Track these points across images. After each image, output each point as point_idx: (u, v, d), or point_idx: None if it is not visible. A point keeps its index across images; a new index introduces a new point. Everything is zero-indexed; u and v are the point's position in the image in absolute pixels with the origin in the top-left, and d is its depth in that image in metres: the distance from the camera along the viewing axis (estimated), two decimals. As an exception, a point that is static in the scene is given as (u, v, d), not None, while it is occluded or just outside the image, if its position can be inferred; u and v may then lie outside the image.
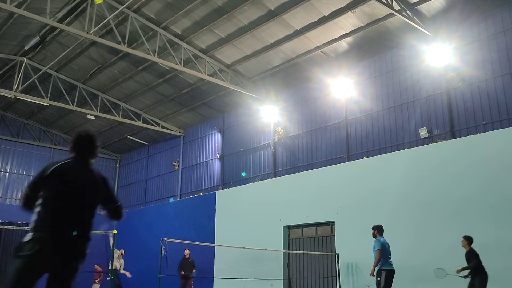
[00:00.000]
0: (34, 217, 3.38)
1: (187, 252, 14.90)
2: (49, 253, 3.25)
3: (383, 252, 8.73)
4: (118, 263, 14.91)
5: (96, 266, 16.98)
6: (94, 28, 14.19)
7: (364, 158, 14.18)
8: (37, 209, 3.38)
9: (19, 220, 21.35)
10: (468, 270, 9.31)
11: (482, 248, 10.36)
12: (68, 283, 3.39)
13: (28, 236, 3.28)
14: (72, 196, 3.43)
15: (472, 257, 9.27)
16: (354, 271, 13.20)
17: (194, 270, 14.99)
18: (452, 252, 9.56)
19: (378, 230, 9.03)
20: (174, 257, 10.80)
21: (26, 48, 17.58)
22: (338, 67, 15.30)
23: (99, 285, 16.72)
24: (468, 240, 9.49)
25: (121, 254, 15.55)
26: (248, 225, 16.39)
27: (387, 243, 8.92)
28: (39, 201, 3.39)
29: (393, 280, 8.73)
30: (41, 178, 3.47)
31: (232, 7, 14.04)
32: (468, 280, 9.27)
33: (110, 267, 12.67)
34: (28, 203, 3.45)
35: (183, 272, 14.37)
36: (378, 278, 8.62)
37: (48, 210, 3.37)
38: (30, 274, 3.19)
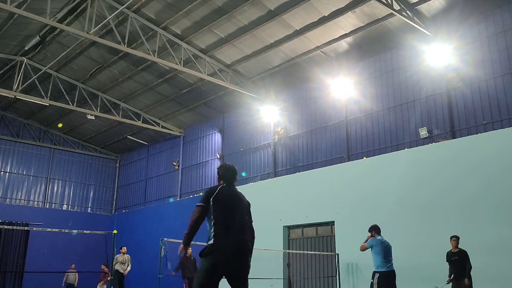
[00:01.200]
0: (211, 232, 4.22)
1: (189, 251, 14.23)
2: (225, 259, 4.10)
3: (380, 253, 8.26)
4: (120, 267, 14.61)
5: (102, 267, 16.98)
6: (94, 28, 14.19)
7: (364, 158, 14.18)
8: (213, 226, 4.23)
9: (19, 220, 21.40)
10: (452, 276, 9.30)
11: (483, 248, 10.35)
12: (245, 278, 4.23)
13: (209, 247, 4.13)
14: (233, 213, 4.33)
15: (467, 258, 9.22)
16: (354, 271, 13.21)
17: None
18: (452, 252, 9.58)
19: (375, 230, 8.57)
20: (174, 257, 10.81)
21: (26, 48, 17.59)
22: (338, 67, 15.30)
23: (105, 285, 16.68)
24: (458, 239, 9.48)
25: (123, 253, 15.15)
26: (248, 225, 16.37)
27: (387, 243, 8.43)
28: (212, 221, 4.24)
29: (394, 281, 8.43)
30: (206, 205, 4.32)
31: (232, 7, 14.04)
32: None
33: (111, 268, 12.68)
34: (197, 225, 4.31)
35: (187, 278, 13.27)
36: (372, 280, 8.23)
37: (220, 226, 4.22)
38: (212, 274, 4.09)
